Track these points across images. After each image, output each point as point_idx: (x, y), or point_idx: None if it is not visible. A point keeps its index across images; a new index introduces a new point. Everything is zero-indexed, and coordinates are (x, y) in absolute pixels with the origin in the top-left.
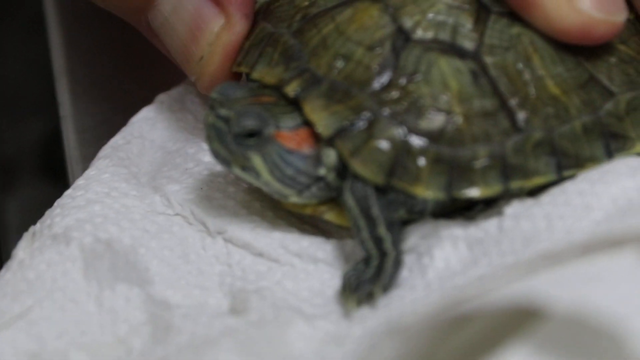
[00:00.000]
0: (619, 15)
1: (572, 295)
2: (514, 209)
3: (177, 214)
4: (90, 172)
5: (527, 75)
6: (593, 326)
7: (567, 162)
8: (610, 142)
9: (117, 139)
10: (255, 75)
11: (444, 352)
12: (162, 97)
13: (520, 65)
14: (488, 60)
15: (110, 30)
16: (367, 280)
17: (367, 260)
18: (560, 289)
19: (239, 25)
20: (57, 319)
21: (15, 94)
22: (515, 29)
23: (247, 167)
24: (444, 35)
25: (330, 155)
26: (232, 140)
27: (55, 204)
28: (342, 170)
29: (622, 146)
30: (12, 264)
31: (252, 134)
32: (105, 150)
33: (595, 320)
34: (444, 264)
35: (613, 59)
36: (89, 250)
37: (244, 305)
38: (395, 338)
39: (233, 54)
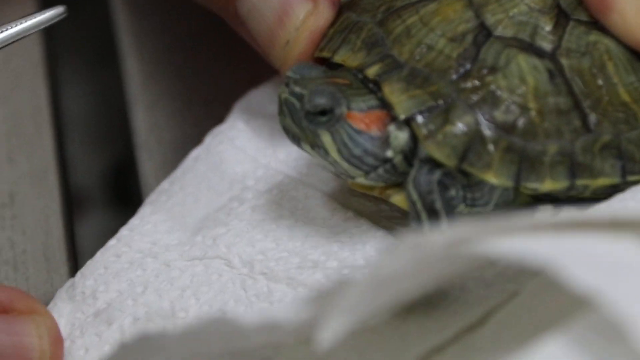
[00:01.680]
0: None
1: (593, 278)
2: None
3: (217, 257)
4: (135, 221)
5: (600, 81)
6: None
7: (632, 167)
8: None
9: (164, 184)
10: (338, 58)
11: (427, 284)
12: (211, 135)
13: (594, 71)
14: (564, 62)
15: (184, 59)
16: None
17: None
18: (583, 266)
19: (326, 12)
20: None
21: (88, 122)
22: (592, 37)
23: (316, 145)
24: (524, 35)
25: (398, 137)
26: (304, 117)
27: (98, 257)
28: (409, 154)
29: None
30: None
31: (324, 112)
32: (151, 196)
33: (616, 313)
34: None
35: None
36: (127, 332)
37: None
38: (406, 251)
39: (318, 40)
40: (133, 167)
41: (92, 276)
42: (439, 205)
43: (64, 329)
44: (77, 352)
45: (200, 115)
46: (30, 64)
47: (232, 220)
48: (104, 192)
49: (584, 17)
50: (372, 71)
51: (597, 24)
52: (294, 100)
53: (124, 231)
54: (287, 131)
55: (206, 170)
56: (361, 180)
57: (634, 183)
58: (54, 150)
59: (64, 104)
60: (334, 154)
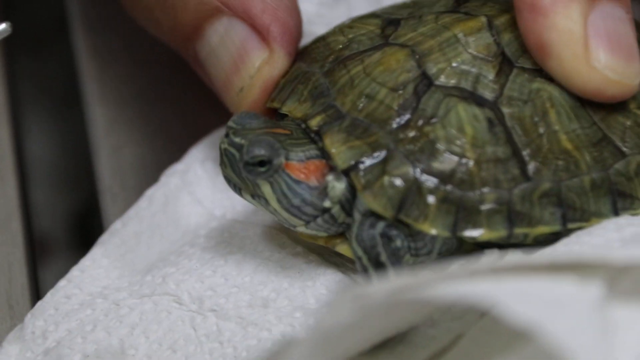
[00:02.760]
0: (634, 79)
1: (532, 314)
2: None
3: (167, 294)
4: (86, 261)
5: (541, 129)
6: (545, 347)
7: (572, 215)
8: (617, 200)
9: (117, 223)
10: (285, 109)
11: (381, 332)
12: (166, 174)
13: (536, 119)
14: (505, 110)
15: (148, 105)
16: None
17: None
18: (523, 303)
19: (281, 62)
20: None
21: (52, 168)
22: (536, 84)
23: (256, 195)
24: (466, 84)
25: (335, 187)
26: (243, 168)
27: (49, 298)
28: (347, 205)
29: (629, 206)
30: None
31: (262, 163)
32: (104, 236)
33: (549, 342)
34: None
35: (628, 122)
36: None
37: None
38: (352, 302)
39: (271, 89)
40: (97, 213)
41: (42, 317)
42: (384, 257)
43: None
44: None
45: (164, 161)
46: None
47: (182, 260)
48: (68, 238)
49: (528, 64)
50: (314, 122)
51: (541, 71)
52: (233, 150)
53: (74, 272)
54: (229, 181)
55: (160, 217)
56: (302, 229)
57: (575, 230)
58: (17, 196)
59: (27, 149)
60: (274, 203)
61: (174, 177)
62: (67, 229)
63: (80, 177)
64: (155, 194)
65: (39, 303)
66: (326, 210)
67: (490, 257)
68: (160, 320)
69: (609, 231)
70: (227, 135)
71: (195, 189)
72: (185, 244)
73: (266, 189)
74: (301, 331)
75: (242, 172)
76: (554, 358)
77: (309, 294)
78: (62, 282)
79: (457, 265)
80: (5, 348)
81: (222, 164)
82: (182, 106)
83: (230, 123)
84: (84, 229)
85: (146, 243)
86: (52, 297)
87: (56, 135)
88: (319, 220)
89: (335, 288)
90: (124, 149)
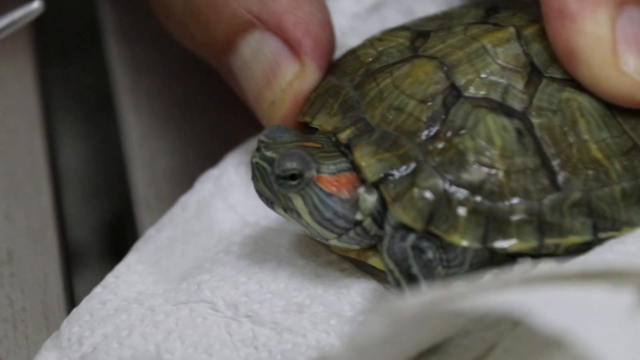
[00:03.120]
0: None
1: (566, 321)
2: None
3: (202, 301)
4: (121, 268)
5: (571, 138)
6: (577, 353)
7: (603, 225)
8: None
9: (151, 230)
10: (315, 123)
11: (415, 343)
12: (200, 181)
13: (565, 128)
14: (535, 120)
15: (182, 114)
16: None
17: None
18: (555, 311)
19: (312, 76)
20: None
21: (86, 178)
22: (565, 94)
23: (289, 208)
24: (495, 95)
25: (366, 200)
26: (275, 182)
27: (84, 305)
28: (379, 217)
29: None
30: None
31: (294, 176)
32: (138, 243)
33: (581, 348)
34: None
35: None
36: None
37: None
38: (384, 318)
39: (302, 102)
40: (131, 223)
41: (77, 323)
42: (416, 270)
43: None
44: None
45: (197, 171)
46: (27, 119)
47: (216, 268)
48: (102, 248)
49: (558, 74)
50: (344, 135)
51: (570, 81)
52: (264, 164)
53: (109, 278)
54: (261, 195)
55: (194, 224)
56: (334, 242)
57: (607, 240)
58: (51, 206)
59: (61, 160)
60: (306, 217)
61: (207, 183)
62: (102, 239)
63: (114, 187)
64: (188, 200)
65: (75, 310)
66: (358, 223)
67: (523, 267)
68: (196, 325)
69: None
70: (258, 149)
71: (229, 195)
72: (219, 251)
73: (298, 203)
74: (336, 338)
75: (273, 186)
76: None
77: (343, 301)
78: (98, 289)
79: (489, 276)
80: (42, 355)
81: (254, 178)
82: (215, 117)
83: (261, 137)
84: (118, 239)
85: (180, 250)
86: (88, 304)
87: (90, 145)
88: (351, 233)
89: (370, 296)
90: (157, 158)
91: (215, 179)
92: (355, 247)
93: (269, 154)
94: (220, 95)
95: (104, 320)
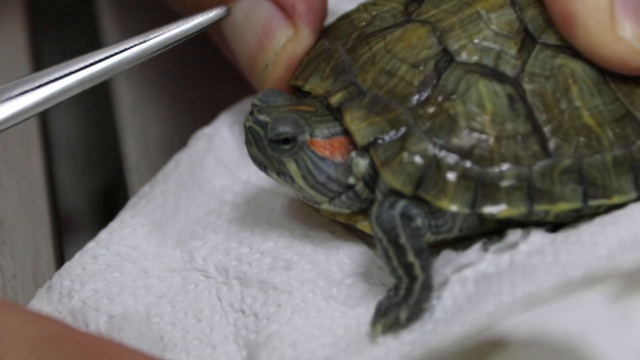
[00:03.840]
0: None
1: (540, 319)
2: (528, 245)
3: (195, 269)
4: (114, 224)
5: (563, 105)
6: (553, 344)
7: (594, 192)
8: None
9: (145, 188)
10: (307, 87)
11: None
12: (194, 138)
13: (557, 95)
14: (527, 86)
15: (174, 82)
16: (395, 304)
17: (397, 287)
18: (532, 318)
19: (306, 39)
20: None
21: (78, 146)
22: (558, 61)
23: (282, 173)
24: (487, 61)
25: (359, 164)
26: (268, 146)
27: (76, 259)
28: (371, 182)
29: None
30: None
31: (287, 140)
32: (132, 200)
33: (559, 342)
34: (452, 301)
35: None
36: (103, 330)
37: None
38: None
39: (295, 66)
40: (123, 190)
41: (68, 277)
42: (403, 240)
43: None
44: None
45: (189, 138)
46: None
47: (208, 234)
48: (93, 216)
49: (551, 40)
50: (335, 99)
51: (564, 48)
52: (258, 128)
53: (103, 234)
54: (254, 159)
55: (187, 179)
56: (326, 206)
57: (597, 207)
58: (43, 174)
59: (53, 127)
60: (299, 180)
61: (201, 140)
62: (93, 206)
63: (106, 154)
64: (182, 157)
65: (67, 263)
66: (350, 187)
67: (513, 237)
68: (187, 292)
69: (635, 221)
70: (251, 113)
71: (221, 152)
72: (211, 211)
73: (291, 167)
74: (321, 300)
75: (267, 150)
76: (566, 353)
77: (332, 262)
78: (91, 244)
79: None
80: (33, 305)
81: (247, 142)
82: (207, 83)
83: (254, 101)
84: (110, 207)
85: (173, 204)
86: (80, 258)
87: (82, 112)
88: (343, 197)
89: (359, 260)
90: (149, 126)
91: (209, 136)
92: (346, 210)
93: (262, 117)
94: (212, 61)
95: (95, 275)
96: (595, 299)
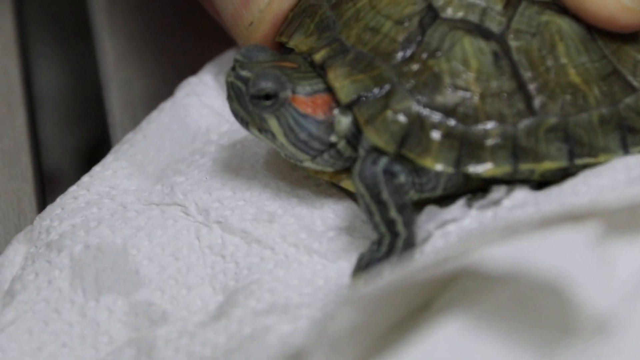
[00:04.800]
0: None
1: (521, 255)
2: (511, 201)
3: (175, 204)
4: (96, 168)
5: (549, 62)
6: (534, 281)
7: (580, 151)
8: (627, 135)
9: (129, 134)
10: (291, 44)
11: (388, 319)
12: (180, 88)
13: (543, 52)
14: (512, 43)
15: (158, 36)
16: (378, 259)
17: (380, 242)
18: (511, 252)
19: None
20: (37, 332)
21: (62, 102)
22: (545, 17)
23: (263, 129)
24: (473, 17)
25: (341, 122)
26: (249, 101)
27: (58, 201)
28: (353, 140)
29: (639, 141)
30: (3, 270)
31: (269, 96)
32: (116, 146)
33: (538, 277)
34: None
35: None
36: (77, 258)
37: (230, 307)
38: (351, 307)
39: (280, 23)
40: (107, 147)
41: (48, 217)
42: (385, 196)
43: (19, 264)
44: (27, 277)
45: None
46: (2, 42)
47: (192, 171)
48: (77, 173)
49: None
50: (318, 56)
51: (550, 4)
52: (239, 83)
53: (84, 177)
54: (236, 115)
55: (170, 121)
56: (308, 164)
57: (583, 166)
58: (26, 130)
59: (36, 83)
60: (280, 137)
61: (185, 87)
62: (77, 162)
63: (90, 110)
64: (166, 104)
65: (48, 207)
66: (332, 145)
67: (496, 194)
68: (166, 227)
69: (617, 172)
70: (233, 69)
71: (207, 98)
72: (195, 151)
73: (273, 123)
74: (304, 253)
75: (248, 106)
76: (547, 290)
77: (316, 216)
78: (72, 187)
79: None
80: (13, 246)
81: (229, 98)
82: (192, 39)
83: (237, 56)
84: (94, 163)
85: (155, 145)
86: (60, 200)
87: (66, 68)
88: (325, 155)
89: (343, 214)
90: (134, 82)
91: (193, 85)
92: (329, 169)
93: (244, 73)
94: (196, 17)
95: (73, 212)
96: (577, 241)
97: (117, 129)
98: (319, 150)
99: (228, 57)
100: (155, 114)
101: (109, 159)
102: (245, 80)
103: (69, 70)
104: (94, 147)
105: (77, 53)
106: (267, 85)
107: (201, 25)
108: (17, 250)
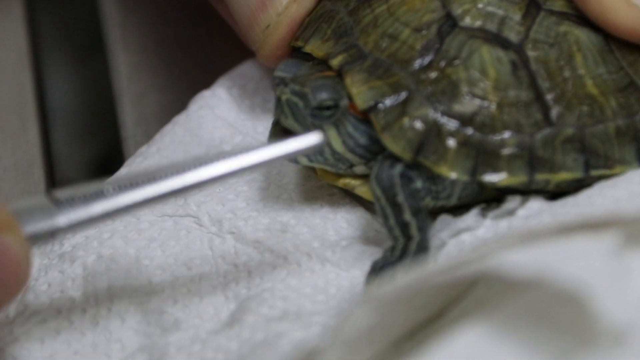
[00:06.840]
0: None
1: (542, 263)
2: (526, 210)
3: (188, 215)
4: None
5: (567, 73)
6: (554, 289)
7: (596, 162)
8: None
9: (142, 147)
10: (307, 48)
11: (403, 323)
12: (193, 101)
13: (561, 62)
14: (530, 53)
15: (171, 50)
16: (391, 262)
17: (393, 247)
18: (533, 258)
19: (308, 0)
20: (49, 340)
21: (75, 115)
22: (563, 28)
23: None
24: (491, 26)
25: None
26: (309, 115)
27: None
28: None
29: None
30: None
31: (329, 107)
32: (129, 159)
33: (558, 285)
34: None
35: None
36: (90, 268)
37: (242, 314)
38: (367, 307)
39: (297, 27)
40: (120, 160)
41: None
42: (401, 198)
43: (32, 276)
44: (40, 287)
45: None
46: (15, 56)
47: None
48: None
49: (556, 7)
50: (335, 61)
51: (569, 14)
52: (296, 99)
53: None
54: (290, 132)
55: (184, 134)
56: (361, 169)
57: (599, 178)
58: (39, 144)
59: (49, 96)
60: (338, 146)
61: (199, 101)
62: (89, 176)
63: (103, 124)
64: (180, 117)
65: None
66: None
67: (511, 204)
68: (179, 237)
69: (632, 183)
70: (285, 85)
71: (220, 110)
72: None
73: (332, 133)
74: (317, 262)
75: (307, 120)
76: (566, 299)
77: (329, 225)
78: None
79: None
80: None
81: (283, 115)
82: (205, 52)
83: (278, 72)
84: (107, 176)
85: (169, 158)
86: None
87: (79, 81)
88: (379, 157)
89: (356, 223)
90: (147, 95)
91: (207, 98)
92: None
93: (298, 88)
94: (210, 31)
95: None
96: (597, 251)
97: (130, 143)
98: (375, 153)
99: (241, 71)
100: (168, 127)
101: (121, 172)
102: (302, 95)
103: (82, 84)
104: (107, 160)
105: (90, 66)
106: (327, 96)
107: (214, 39)
108: (32, 264)
